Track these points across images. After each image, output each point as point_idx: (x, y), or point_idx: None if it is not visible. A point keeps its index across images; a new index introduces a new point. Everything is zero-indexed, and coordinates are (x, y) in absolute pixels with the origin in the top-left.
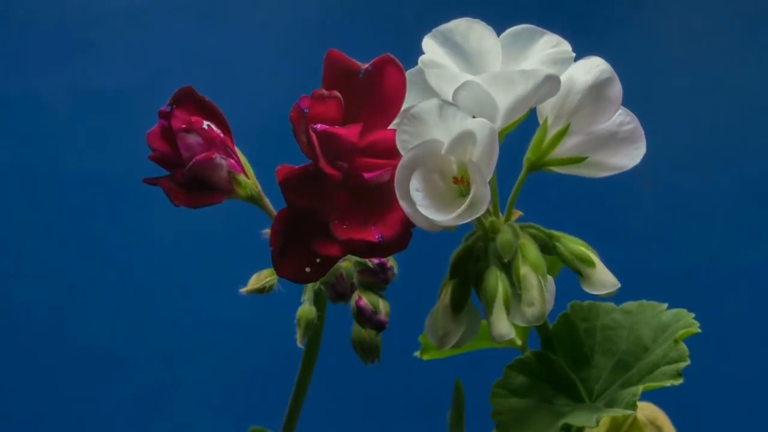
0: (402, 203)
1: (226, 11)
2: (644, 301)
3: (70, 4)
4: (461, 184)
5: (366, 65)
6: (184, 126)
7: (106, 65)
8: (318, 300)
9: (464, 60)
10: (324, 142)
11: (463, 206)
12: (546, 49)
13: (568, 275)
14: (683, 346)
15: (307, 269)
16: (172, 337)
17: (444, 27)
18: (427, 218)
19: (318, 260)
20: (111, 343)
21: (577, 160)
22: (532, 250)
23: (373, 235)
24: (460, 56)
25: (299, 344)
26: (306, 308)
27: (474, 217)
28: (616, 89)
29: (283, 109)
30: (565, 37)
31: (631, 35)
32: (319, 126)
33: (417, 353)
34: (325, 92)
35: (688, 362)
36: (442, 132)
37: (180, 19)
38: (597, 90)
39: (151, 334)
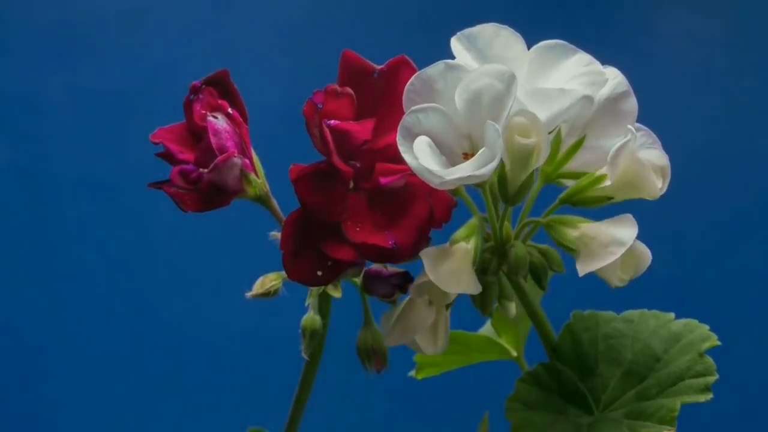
0: (405, 157)
1: (227, 11)
2: (645, 309)
3: (70, 5)
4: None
5: (381, 66)
6: (211, 110)
7: (106, 65)
8: (322, 306)
9: None
10: (337, 138)
11: (474, 159)
12: (578, 67)
13: (571, 283)
14: (710, 360)
15: (319, 273)
16: (172, 337)
17: (469, 31)
18: (430, 172)
19: (329, 263)
20: (111, 344)
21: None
22: (571, 217)
23: (387, 240)
24: (483, 62)
25: (304, 355)
26: (310, 317)
27: (481, 176)
28: (631, 103)
29: (284, 109)
30: (565, 38)
31: (632, 35)
32: (332, 121)
33: (411, 373)
34: (338, 88)
35: (716, 377)
36: (451, 96)
37: (180, 19)
38: (612, 103)
39: (150, 335)
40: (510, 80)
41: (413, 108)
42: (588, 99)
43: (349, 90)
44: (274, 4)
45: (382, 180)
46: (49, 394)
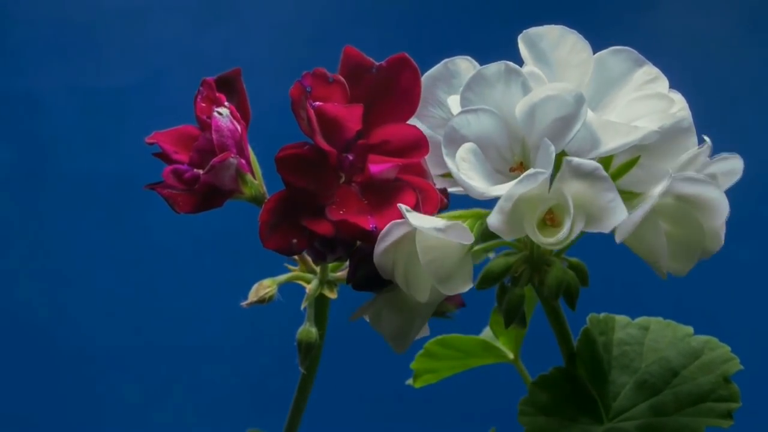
0: (447, 161)
1: (226, 11)
2: (661, 318)
3: (70, 4)
4: (519, 172)
5: (380, 62)
6: (209, 103)
7: (106, 65)
8: (318, 315)
9: (547, 69)
10: (325, 123)
11: (519, 181)
12: (642, 85)
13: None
14: (735, 387)
15: (294, 240)
16: (171, 337)
17: (533, 30)
18: (470, 186)
19: (305, 232)
20: (110, 344)
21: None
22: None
23: (368, 223)
24: (544, 64)
25: (301, 369)
26: (305, 330)
27: (519, 194)
28: (692, 141)
29: (283, 109)
30: None
31: (632, 35)
32: (317, 103)
33: (409, 381)
34: (329, 74)
35: (740, 404)
36: (509, 99)
37: (180, 19)
38: (673, 134)
39: (150, 335)
40: (581, 102)
41: (464, 108)
42: (656, 134)
43: (341, 78)
44: (275, 3)
45: (373, 168)
46: (48, 394)
